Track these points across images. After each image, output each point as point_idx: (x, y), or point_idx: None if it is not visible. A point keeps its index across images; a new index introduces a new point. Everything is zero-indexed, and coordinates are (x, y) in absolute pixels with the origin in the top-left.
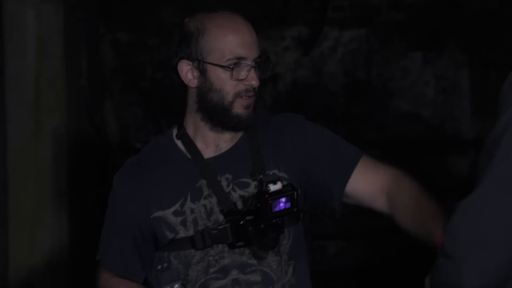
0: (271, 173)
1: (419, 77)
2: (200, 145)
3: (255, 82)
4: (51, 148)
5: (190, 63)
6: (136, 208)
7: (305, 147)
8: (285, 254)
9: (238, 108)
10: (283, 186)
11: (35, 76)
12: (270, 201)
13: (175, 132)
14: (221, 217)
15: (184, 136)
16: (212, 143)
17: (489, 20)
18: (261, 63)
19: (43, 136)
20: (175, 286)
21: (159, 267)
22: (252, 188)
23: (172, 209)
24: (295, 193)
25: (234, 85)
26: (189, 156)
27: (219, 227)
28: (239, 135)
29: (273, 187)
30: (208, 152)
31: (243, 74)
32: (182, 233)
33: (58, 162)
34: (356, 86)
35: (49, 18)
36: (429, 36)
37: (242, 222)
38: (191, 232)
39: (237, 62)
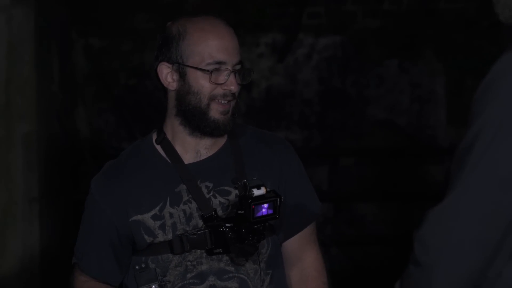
0: (255, 178)
1: (395, 85)
2: (179, 150)
3: (234, 88)
4: (21, 155)
5: (170, 65)
6: (114, 212)
7: (287, 173)
8: (263, 263)
9: (215, 113)
10: (267, 191)
11: (5, 81)
12: (253, 206)
13: (154, 136)
14: (200, 223)
15: (164, 141)
16: (192, 149)
17: (465, 28)
18: (241, 69)
19: (13, 143)
20: (152, 287)
21: (137, 267)
22: (233, 196)
23: (151, 213)
24: (278, 199)
25: (212, 88)
26: (169, 161)
27: (198, 232)
28: (220, 143)
29: (256, 192)
30: (187, 157)
31: (221, 79)
32: (160, 237)
33: (29, 169)
34: (331, 93)
35: (20, 23)
36: (405, 44)
37: (221, 228)
38: (169, 236)
39: (217, 66)
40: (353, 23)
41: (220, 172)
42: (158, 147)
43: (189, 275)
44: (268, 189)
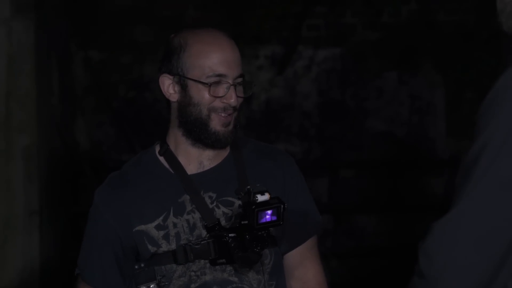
0: (258, 185)
1: (394, 97)
2: (182, 161)
3: (233, 101)
4: (21, 168)
5: (171, 77)
6: (117, 222)
7: (290, 186)
8: (266, 274)
9: (216, 125)
10: (271, 198)
11: (5, 94)
12: (257, 212)
13: (157, 148)
14: (204, 233)
15: (167, 152)
16: (195, 159)
17: (464, 41)
18: (243, 82)
19: (13, 155)
20: (151, 286)
21: (136, 266)
22: (236, 207)
23: (155, 223)
24: (282, 206)
25: (211, 100)
26: (172, 172)
27: (202, 242)
28: (223, 154)
29: (260, 198)
30: (191, 168)
31: (221, 92)
32: (164, 247)
33: (29, 181)
34: (331, 105)
35: (19, 36)
36: (404, 56)
37: (225, 238)
38: (173, 246)
39: (217, 79)
40: (352, 35)
41: (223, 183)
42: (161, 159)
43: (193, 285)
44: (272, 196)
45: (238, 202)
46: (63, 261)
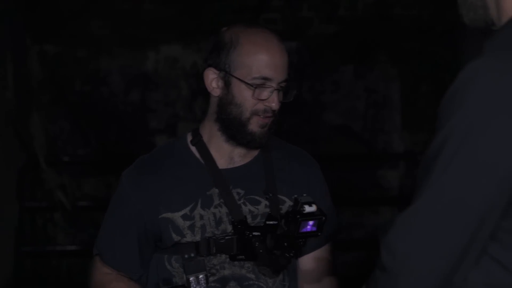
0: (305, 195)
1: (351, 90)
2: (214, 154)
3: (275, 105)
4: None
5: (217, 72)
6: (144, 206)
7: (314, 191)
8: (281, 274)
9: (254, 125)
10: (317, 209)
11: None
12: (300, 221)
13: (189, 137)
14: (229, 228)
15: (199, 143)
16: (226, 155)
17: (419, 34)
18: (287, 87)
19: None
20: (200, 277)
21: (186, 256)
22: (262, 206)
23: (182, 213)
24: (323, 218)
25: (254, 103)
26: (203, 163)
27: (227, 237)
28: (253, 153)
29: (308, 209)
30: (221, 162)
31: (265, 95)
32: (188, 238)
33: None
34: None
35: None
36: (360, 50)
37: (248, 236)
38: (197, 238)
39: (262, 82)
40: (309, 29)
41: (251, 181)
42: (193, 149)
43: (211, 279)
44: (318, 207)
45: (264, 202)
46: (18, 256)
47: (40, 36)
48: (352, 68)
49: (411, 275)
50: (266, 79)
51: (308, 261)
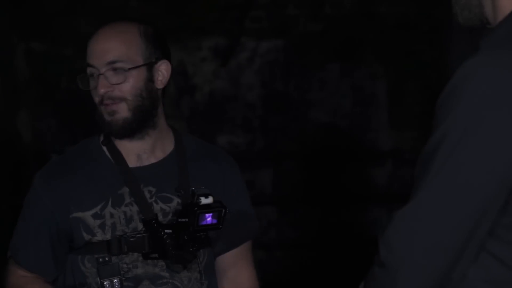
0: (203, 187)
1: (337, 88)
2: (123, 153)
3: (102, 90)
4: None
5: None
6: (55, 206)
7: (230, 190)
8: (197, 273)
9: (104, 114)
10: (214, 201)
11: None
12: (199, 214)
13: (102, 137)
14: (140, 226)
15: (110, 143)
16: (132, 152)
17: (406, 32)
18: (115, 69)
19: None
20: (114, 281)
21: (100, 260)
22: (174, 204)
23: (92, 212)
24: (223, 210)
25: (95, 92)
26: (114, 163)
27: (137, 235)
28: (167, 151)
29: (204, 200)
30: (131, 161)
31: (93, 84)
32: (99, 236)
33: None
34: (274, 97)
35: None
36: (347, 48)
37: (160, 234)
38: (108, 236)
39: (90, 70)
40: (295, 27)
41: (163, 179)
42: (105, 148)
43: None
44: (215, 199)
45: (177, 200)
46: (2, 254)
47: (26, 33)
48: (339, 66)
49: (409, 271)
50: (90, 66)
51: (225, 260)
